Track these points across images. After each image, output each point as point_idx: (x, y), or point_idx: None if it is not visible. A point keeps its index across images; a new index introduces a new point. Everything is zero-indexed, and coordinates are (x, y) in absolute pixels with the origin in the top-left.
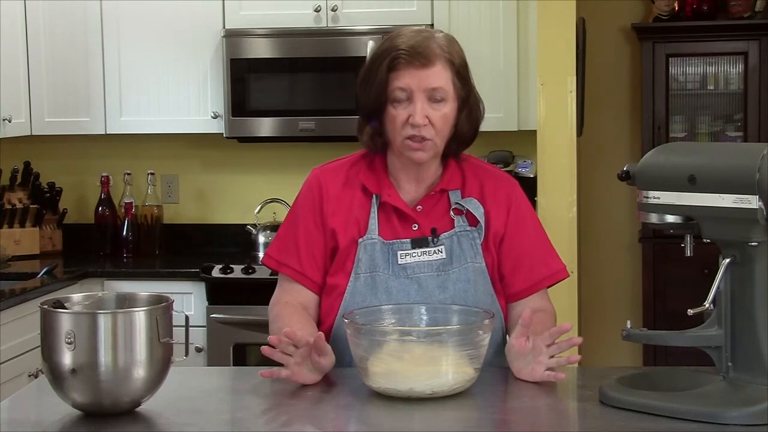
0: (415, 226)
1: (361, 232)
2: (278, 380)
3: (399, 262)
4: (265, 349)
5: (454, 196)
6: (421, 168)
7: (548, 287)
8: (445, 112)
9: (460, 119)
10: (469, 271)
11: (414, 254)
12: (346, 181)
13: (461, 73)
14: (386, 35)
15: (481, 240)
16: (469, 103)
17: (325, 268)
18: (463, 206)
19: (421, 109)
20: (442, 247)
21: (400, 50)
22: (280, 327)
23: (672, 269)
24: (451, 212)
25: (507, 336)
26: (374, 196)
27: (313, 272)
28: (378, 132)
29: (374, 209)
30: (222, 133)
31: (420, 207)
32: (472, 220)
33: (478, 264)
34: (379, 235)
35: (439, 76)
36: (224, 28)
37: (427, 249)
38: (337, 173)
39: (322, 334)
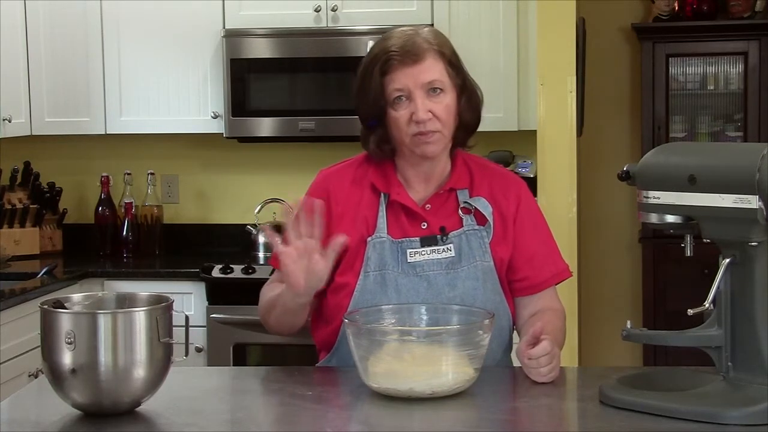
0: (424, 225)
1: (370, 231)
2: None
3: (408, 260)
4: (266, 229)
5: (463, 195)
6: (431, 165)
7: (554, 285)
8: (447, 103)
9: (461, 107)
10: (478, 269)
11: (423, 252)
12: (354, 180)
13: (453, 61)
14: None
15: (490, 239)
16: (466, 90)
17: None
18: (472, 205)
19: (423, 105)
20: (452, 245)
21: (389, 52)
22: (269, 297)
23: (672, 269)
24: (460, 211)
25: (517, 333)
26: (383, 194)
27: None
28: (384, 139)
29: (383, 208)
30: (222, 133)
31: (428, 206)
32: (481, 219)
33: (487, 263)
34: (387, 233)
35: (433, 69)
36: (224, 28)
37: (436, 247)
38: (344, 174)
39: (340, 240)
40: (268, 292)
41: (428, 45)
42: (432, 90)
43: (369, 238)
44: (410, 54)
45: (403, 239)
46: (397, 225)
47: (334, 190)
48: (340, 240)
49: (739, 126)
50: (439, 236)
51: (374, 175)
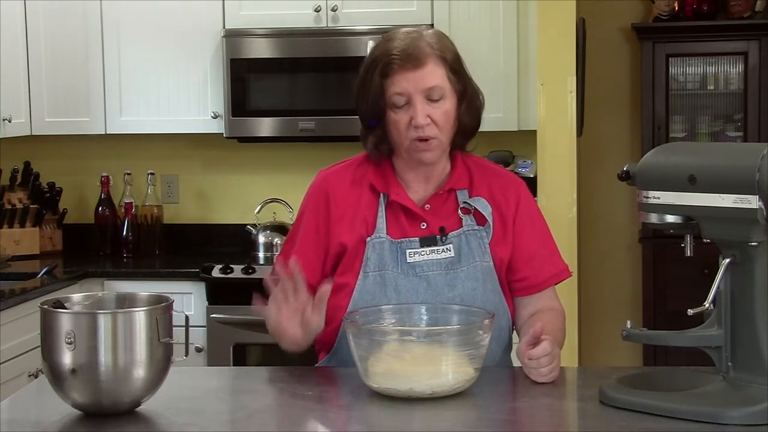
0: (423, 225)
1: (369, 231)
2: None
3: (408, 261)
4: (267, 280)
5: (462, 196)
6: (429, 167)
7: (554, 285)
8: (446, 108)
9: (461, 113)
10: (478, 269)
11: (422, 253)
12: (353, 181)
13: (455, 67)
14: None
15: (489, 239)
16: (467, 95)
17: (322, 272)
18: (471, 205)
19: (422, 110)
20: (451, 245)
21: (391, 55)
22: (276, 327)
23: (672, 269)
24: (459, 211)
25: (517, 333)
26: (382, 195)
27: (307, 273)
28: (382, 139)
29: (382, 208)
30: (222, 133)
31: (428, 206)
32: (480, 220)
33: (486, 263)
34: (387, 233)
35: (434, 75)
36: (224, 28)
37: (435, 247)
38: (343, 174)
39: (327, 290)
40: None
41: (431, 50)
42: (432, 95)
43: (368, 239)
44: (412, 58)
45: (403, 239)
46: (396, 225)
47: (333, 190)
48: (326, 289)
49: (739, 126)
50: (438, 236)
51: (373, 176)
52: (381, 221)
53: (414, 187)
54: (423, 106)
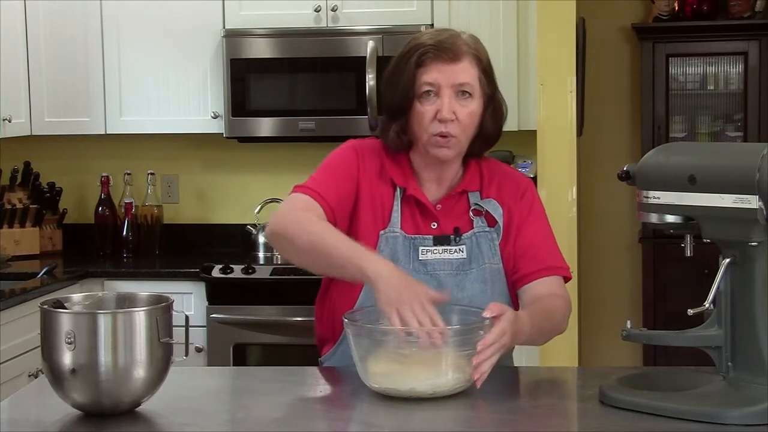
0: (434, 225)
1: (384, 224)
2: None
3: (420, 258)
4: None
5: (474, 197)
6: (443, 167)
7: (554, 276)
8: (472, 108)
9: (485, 117)
10: (487, 271)
11: (435, 251)
12: (377, 169)
13: (487, 70)
14: (386, 35)
15: (499, 241)
16: (494, 102)
17: (341, 208)
18: (483, 207)
19: (449, 104)
20: (464, 246)
21: (428, 46)
22: (312, 229)
23: (672, 269)
24: (471, 213)
25: None
26: (399, 188)
27: (331, 198)
28: (404, 129)
29: (398, 202)
30: (222, 133)
31: (439, 206)
32: (491, 221)
33: (496, 265)
34: (401, 228)
35: (467, 72)
36: (224, 28)
37: (448, 247)
38: (372, 158)
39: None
40: (315, 224)
41: (467, 48)
42: (461, 93)
43: (382, 232)
44: (449, 51)
45: (416, 236)
46: (411, 221)
47: (363, 171)
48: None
49: (739, 126)
50: (452, 236)
51: (392, 169)
52: (396, 215)
53: (427, 186)
54: (451, 100)
